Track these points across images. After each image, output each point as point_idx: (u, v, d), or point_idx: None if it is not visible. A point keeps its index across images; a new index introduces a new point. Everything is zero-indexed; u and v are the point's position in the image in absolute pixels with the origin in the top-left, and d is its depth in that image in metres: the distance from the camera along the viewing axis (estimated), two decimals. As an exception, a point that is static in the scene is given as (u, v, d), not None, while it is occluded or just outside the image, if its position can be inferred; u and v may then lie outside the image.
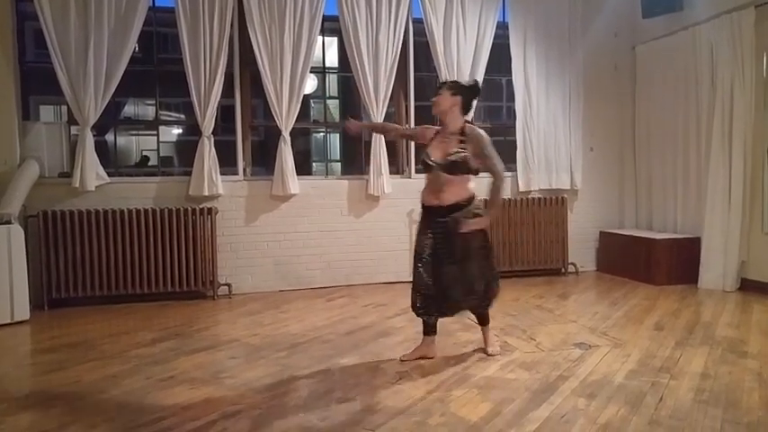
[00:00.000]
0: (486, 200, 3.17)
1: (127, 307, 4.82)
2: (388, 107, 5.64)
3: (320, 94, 14.55)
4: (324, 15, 5.39)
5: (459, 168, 3.07)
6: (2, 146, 4.79)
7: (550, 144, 6.06)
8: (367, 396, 2.76)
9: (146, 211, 4.97)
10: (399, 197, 5.62)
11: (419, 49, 5.81)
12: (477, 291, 3.16)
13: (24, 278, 4.36)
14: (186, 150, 6.87)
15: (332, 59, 13.45)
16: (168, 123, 14.29)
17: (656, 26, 5.85)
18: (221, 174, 5.22)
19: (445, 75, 5.61)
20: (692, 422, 2.40)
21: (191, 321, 4.36)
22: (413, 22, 5.73)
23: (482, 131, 3.14)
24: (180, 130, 13.76)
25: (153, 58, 5.94)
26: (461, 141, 3.10)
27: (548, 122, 6.04)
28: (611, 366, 3.12)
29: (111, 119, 7.77)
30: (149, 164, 11.99)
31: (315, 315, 4.47)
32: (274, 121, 5.32)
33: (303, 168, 6.87)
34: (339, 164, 16.39)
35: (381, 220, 5.68)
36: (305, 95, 5.53)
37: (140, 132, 14.35)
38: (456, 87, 3.22)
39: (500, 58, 6.00)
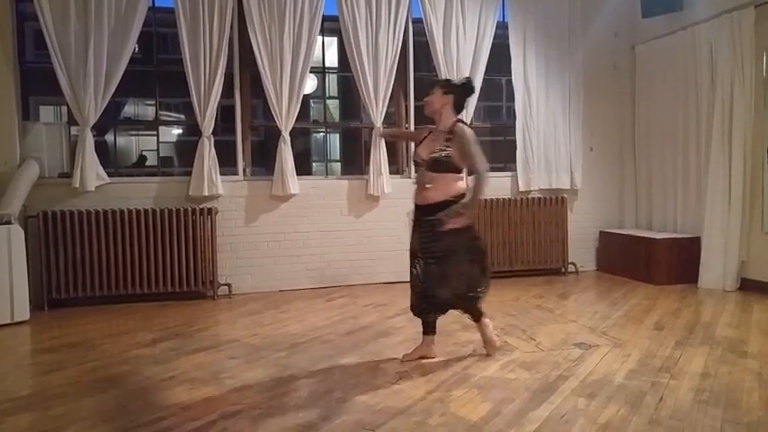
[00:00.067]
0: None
1: (127, 307, 4.82)
2: (388, 107, 5.65)
3: (320, 94, 14.54)
4: (324, 15, 5.40)
5: (443, 166, 3.07)
6: (2, 146, 4.79)
7: (550, 144, 6.07)
8: (367, 396, 2.76)
9: (146, 211, 4.97)
10: (399, 197, 5.62)
11: (419, 49, 5.82)
12: (459, 290, 3.13)
13: (24, 278, 4.36)
14: (186, 150, 6.87)
15: (332, 59, 13.46)
16: (168, 123, 14.31)
17: (655, 26, 5.85)
18: (221, 174, 5.22)
19: (445, 74, 5.61)
20: (692, 422, 2.40)
21: (191, 321, 4.36)
22: (413, 21, 5.73)
23: (468, 130, 3.11)
24: (180, 131, 13.77)
25: (153, 58, 5.93)
26: (447, 140, 3.10)
27: (547, 122, 6.05)
28: (611, 366, 3.12)
29: (111, 119, 7.78)
30: (147, 163, 11.99)
31: (315, 315, 4.47)
32: (274, 121, 5.32)
33: (303, 168, 6.87)
34: (339, 164, 16.39)
35: (381, 220, 5.68)
36: (305, 95, 5.53)
37: (140, 132, 14.35)
38: (448, 86, 3.23)
39: (500, 57, 6.01)
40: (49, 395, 2.86)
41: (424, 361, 3.25)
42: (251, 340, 3.79)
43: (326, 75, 15.12)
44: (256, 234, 5.38)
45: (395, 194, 5.63)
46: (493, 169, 6.42)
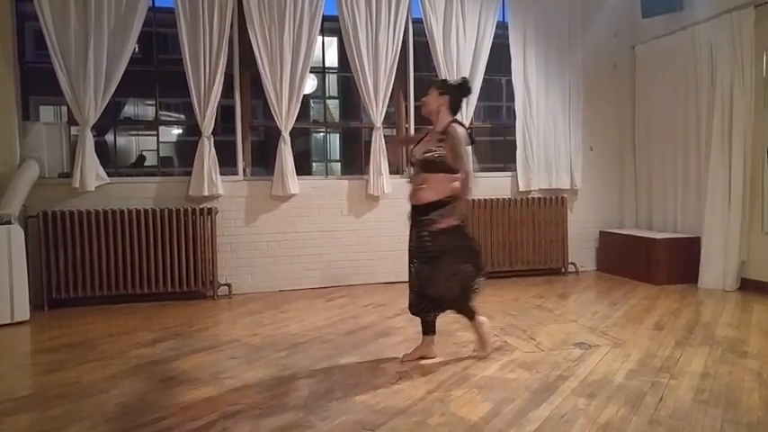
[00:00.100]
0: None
1: (127, 307, 4.82)
2: (388, 107, 5.65)
3: (320, 94, 14.54)
4: (323, 15, 5.40)
5: (436, 166, 3.08)
6: (2, 146, 4.79)
7: (550, 144, 6.07)
8: (367, 396, 2.76)
9: (146, 211, 4.97)
10: (399, 197, 5.58)
11: (419, 49, 5.82)
12: (452, 290, 3.12)
13: (24, 278, 4.36)
14: (186, 150, 6.87)
15: (332, 59, 13.45)
16: (168, 124, 14.29)
17: (655, 26, 5.85)
18: (221, 174, 5.22)
19: (445, 74, 5.60)
20: (692, 422, 2.40)
21: (191, 321, 4.36)
22: (412, 21, 5.73)
23: (461, 130, 3.12)
24: (180, 131, 13.76)
25: (153, 58, 5.93)
26: (440, 140, 3.11)
27: (547, 122, 6.05)
28: (611, 366, 3.12)
29: (110, 119, 7.77)
30: (147, 163, 11.99)
31: (315, 315, 4.47)
32: (274, 121, 5.32)
33: (303, 168, 6.87)
34: (339, 164, 16.38)
35: (381, 220, 5.68)
36: (305, 95, 5.54)
37: (140, 132, 14.34)
38: (443, 87, 3.24)
39: (500, 57, 6.01)
40: (49, 395, 2.85)
41: (423, 361, 3.25)
42: (251, 340, 3.79)
43: (326, 75, 15.11)
44: (256, 234, 5.38)
45: (395, 194, 5.62)
46: (493, 169, 6.49)
